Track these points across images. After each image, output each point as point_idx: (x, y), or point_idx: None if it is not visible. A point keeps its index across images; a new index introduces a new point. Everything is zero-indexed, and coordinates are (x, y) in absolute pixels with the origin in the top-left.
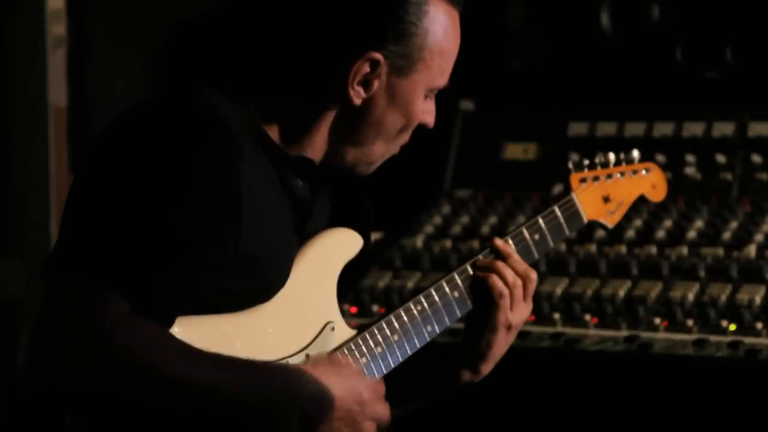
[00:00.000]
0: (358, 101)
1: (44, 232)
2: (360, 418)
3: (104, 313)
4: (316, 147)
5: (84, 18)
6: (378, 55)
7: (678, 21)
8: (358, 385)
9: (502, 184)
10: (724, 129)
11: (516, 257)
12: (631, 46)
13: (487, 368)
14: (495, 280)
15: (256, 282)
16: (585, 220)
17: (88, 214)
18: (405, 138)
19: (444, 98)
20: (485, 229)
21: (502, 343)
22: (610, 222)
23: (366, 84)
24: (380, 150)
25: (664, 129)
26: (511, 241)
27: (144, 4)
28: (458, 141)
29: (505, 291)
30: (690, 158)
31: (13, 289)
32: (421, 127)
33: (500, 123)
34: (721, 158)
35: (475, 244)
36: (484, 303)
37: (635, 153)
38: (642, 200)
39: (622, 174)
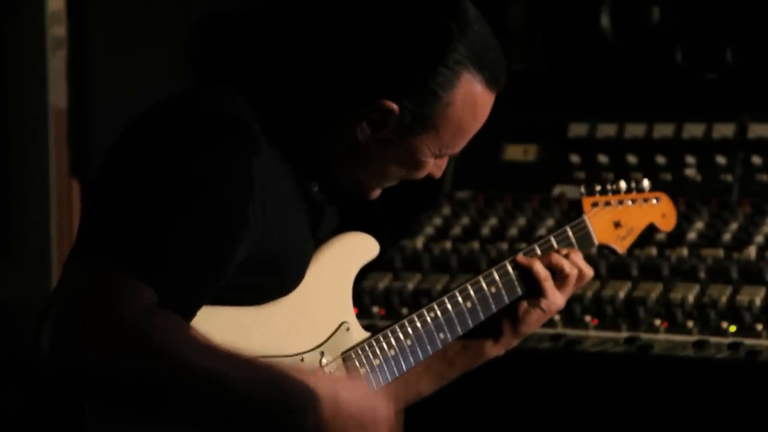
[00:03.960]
0: (362, 138)
1: (45, 233)
2: (370, 429)
3: (130, 301)
4: (324, 162)
5: (84, 19)
6: (393, 106)
7: (678, 22)
8: (373, 399)
9: (502, 185)
10: (724, 130)
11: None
12: (631, 48)
13: (515, 343)
14: (539, 267)
15: (275, 278)
16: (596, 242)
17: (117, 207)
18: (405, 177)
19: None
20: (485, 231)
21: (539, 323)
22: (620, 247)
23: (375, 126)
24: (376, 185)
25: (664, 130)
26: (538, 249)
27: (144, 6)
28: None
29: (548, 275)
30: (690, 159)
31: (12, 290)
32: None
33: (500, 124)
34: (721, 159)
35: (475, 245)
36: (528, 287)
37: (646, 182)
38: (652, 229)
39: (633, 201)
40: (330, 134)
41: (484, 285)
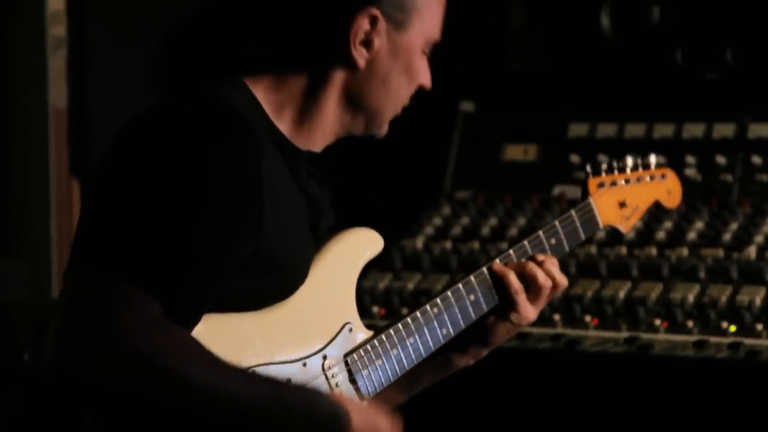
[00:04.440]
0: (362, 62)
1: (45, 233)
2: None
3: (133, 313)
4: (327, 126)
5: (84, 19)
6: (375, 11)
7: (678, 22)
8: (375, 414)
9: (502, 185)
10: (724, 130)
11: (548, 260)
12: (631, 48)
13: (484, 354)
14: (512, 278)
15: (276, 280)
16: (601, 225)
17: (116, 213)
18: (408, 96)
19: (444, 99)
20: (485, 231)
21: (509, 335)
22: (624, 227)
23: (367, 43)
24: (389, 110)
25: (664, 130)
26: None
27: (144, 6)
28: (458, 142)
29: (521, 287)
30: (690, 159)
31: (13, 289)
32: (421, 92)
33: (500, 124)
34: (721, 159)
35: (476, 245)
36: (500, 297)
37: (653, 158)
38: (657, 206)
39: (639, 179)
40: (329, 88)
41: (463, 292)
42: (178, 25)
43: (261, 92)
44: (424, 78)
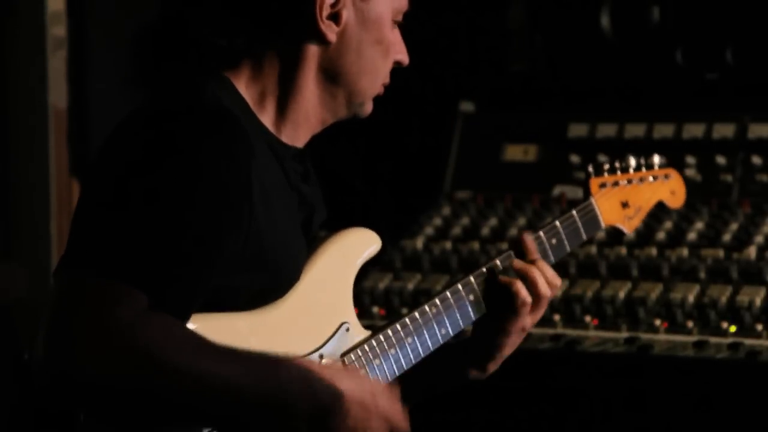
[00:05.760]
0: (332, 36)
1: (45, 233)
2: (372, 416)
3: (122, 308)
4: (310, 111)
5: (84, 19)
6: None
7: (678, 22)
8: (370, 385)
9: (502, 185)
10: (724, 130)
11: (542, 262)
12: (631, 48)
13: (495, 367)
14: (520, 287)
15: (268, 277)
16: (603, 225)
17: (104, 212)
18: (386, 71)
19: (444, 99)
20: (485, 231)
21: (514, 345)
22: (627, 228)
23: (335, 17)
24: (368, 85)
25: (664, 130)
26: (543, 236)
27: (144, 6)
28: (458, 142)
29: (529, 299)
30: (690, 160)
31: (13, 290)
32: (399, 68)
33: (500, 124)
34: (721, 160)
35: (475, 245)
36: (501, 306)
37: (656, 158)
38: (660, 206)
39: (642, 179)
40: (304, 70)
41: (463, 292)
42: (146, 27)
43: (243, 86)
44: (400, 52)
